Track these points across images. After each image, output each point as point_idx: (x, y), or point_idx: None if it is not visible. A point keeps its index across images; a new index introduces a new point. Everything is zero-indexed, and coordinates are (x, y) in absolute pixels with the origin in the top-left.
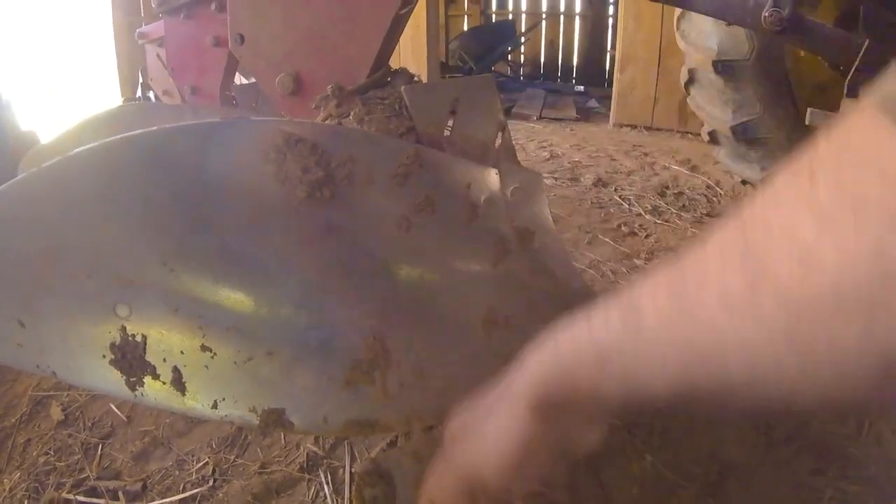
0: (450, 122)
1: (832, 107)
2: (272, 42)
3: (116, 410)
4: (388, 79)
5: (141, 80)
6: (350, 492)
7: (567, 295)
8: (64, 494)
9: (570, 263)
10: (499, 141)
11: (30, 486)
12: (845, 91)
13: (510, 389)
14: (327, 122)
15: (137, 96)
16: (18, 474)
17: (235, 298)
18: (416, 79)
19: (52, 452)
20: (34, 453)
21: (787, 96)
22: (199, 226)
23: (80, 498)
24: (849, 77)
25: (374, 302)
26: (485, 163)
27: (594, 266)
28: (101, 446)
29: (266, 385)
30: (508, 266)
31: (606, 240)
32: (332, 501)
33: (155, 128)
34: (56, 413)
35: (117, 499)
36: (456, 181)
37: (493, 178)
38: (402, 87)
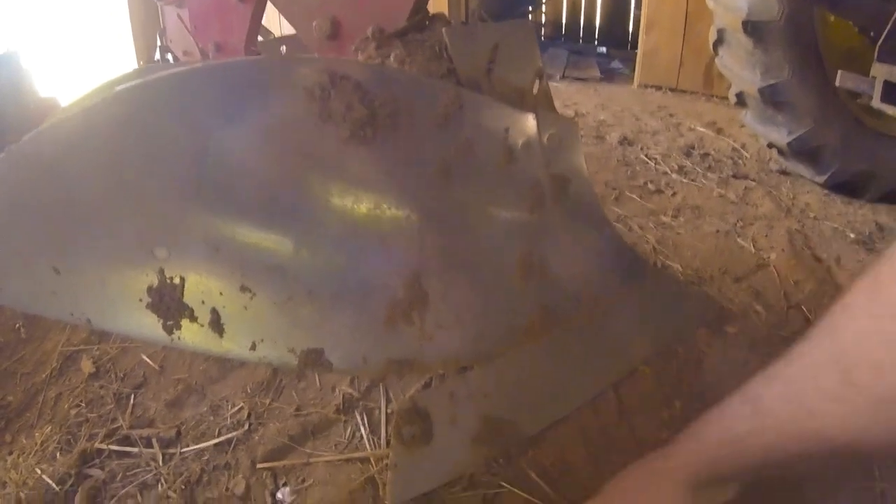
0: (489, 66)
1: (861, 72)
2: None
3: (148, 360)
4: (427, 22)
5: (159, 42)
6: (386, 431)
7: (599, 240)
8: (97, 445)
9: (602, 213)
10: (536, 87)
11: (62, 438)
12: (876, 55)
13: (662, 477)
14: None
15: (156, 59)
16: (50, 428)
17: (276, 239)
18: (453, 23)
19: (83, 405)
20: (65, 406)
21: (816, 60)
22: (241, 166)
23: (114, 447)
24: (879, 42)
25: (413, 244)
26: (522, 108)
27: (621, 221)
28: (133, 396)
29: (305, 325)
30: (544, 212)
31: (633, 196)
32: (369, 440)
33: (190, 66)
34: (87, 366)
35: (151, 446)
36: (494, 125)
37: (530, 122)
38: (443, 29)
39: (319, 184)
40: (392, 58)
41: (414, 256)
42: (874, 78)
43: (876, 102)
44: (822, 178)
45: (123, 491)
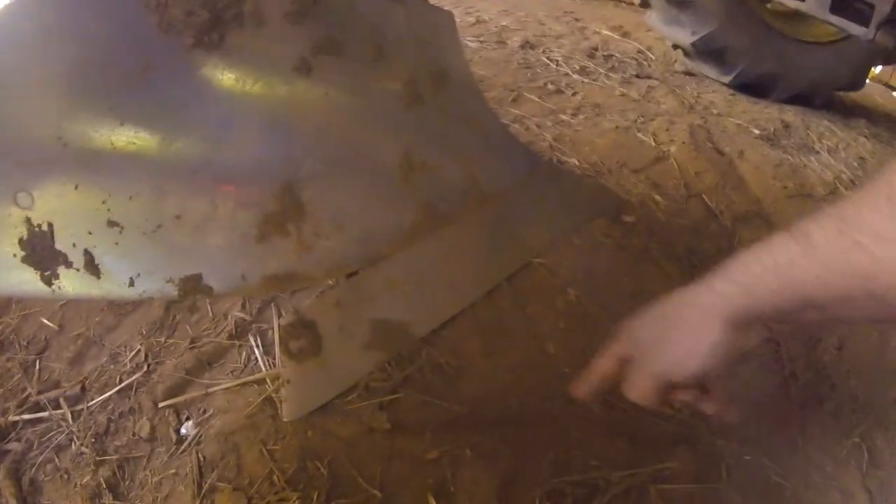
0: None
1: None
2: None
3: (47, 322)
4: None
5: None
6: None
7: (485, 136)
8: (11, 418)
9: (485, 106)
10: None
11: None
12: None
13: (701, 307)
14: None
15: None
16: None
17: (133, 160)
18: None
19: None
20: None
21: None
22: (85, 90)
23: (27, 416)
24: None
25: (279, 151)
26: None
27: (518, 121)
28: (38, 361)
29: (179, 252)
30: (422, 109)
31: (532, 97)
32: (264, 362)
33: None
34: None
35: (59, 407)
36: (359, 18)
37: (399, 14)
38: None
39: (172, 98)
40: None
41: (281, 165)
42: None
43: (822, 13)
44: (727, 78)
45: (42, 457)
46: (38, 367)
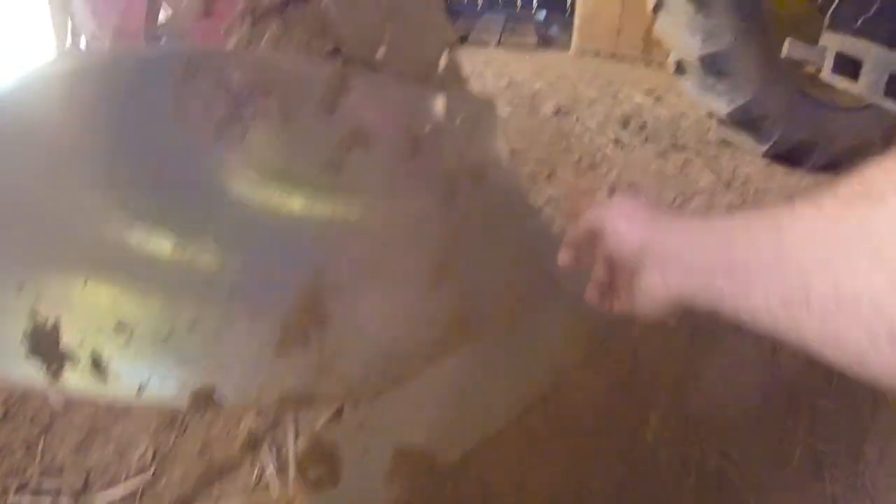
0: (385, 38)
1: (808, 40)
2: None
3: (53, 401)
4: None
5: (71, 24)
6: (294, 468)
7: (525, 238)
8: (10, 499)
9: (527, 203)
10: (444, 62)
11: None
12: (826, 23)
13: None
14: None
15: (68, 45)
16: None
17: (145, 261)
18: None
19: None
20: None
21: (760, 27)
22: (97, 182)
23: (27, 499)
24: (831, 10)
25: (306, 255)
26: (428, 87)
27: (553, 203)
28: (41, 440)
29: (191, 361)
30: (458, 208)
31: (566, 174)
32: (277, 481)
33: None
34: None
35: (61, 493)
36: (393, 109)
37: (437, 105)
38: (324, 1)
39: (188, 198)
40: (266, 37)
41: (304, 273)
42: (825, 48)
43: (826, 74)
44: (763, 148)
45: None
46: (41, 446)
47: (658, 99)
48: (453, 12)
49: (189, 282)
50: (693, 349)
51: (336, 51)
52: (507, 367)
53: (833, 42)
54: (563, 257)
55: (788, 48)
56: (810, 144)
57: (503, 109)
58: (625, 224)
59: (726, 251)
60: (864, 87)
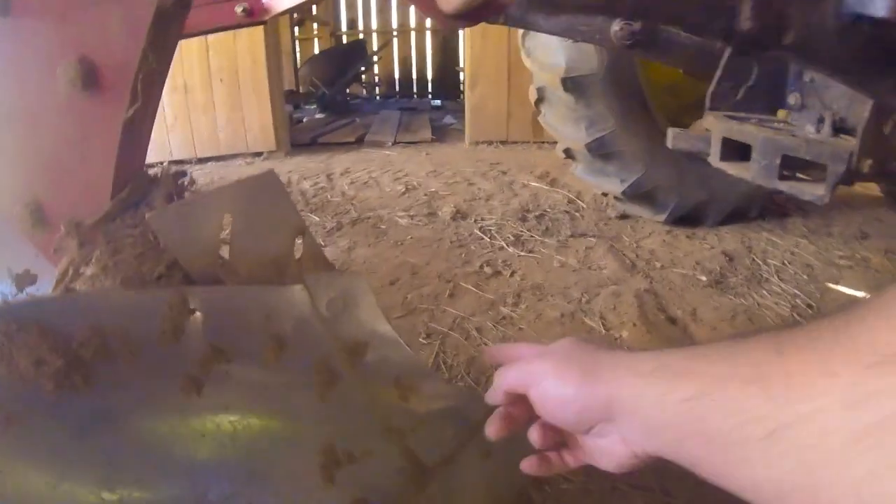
0: (225, 243)
1: (683, 106)
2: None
3: None
4: (143, 193)
5: None
6: None
7: (417, 398)
8: None
9: (414, 360)
10: (299, 249)
11: None
12: (708, 103)
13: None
14: (68, 273)
15: None
16: None
17: None
18: (183, 178)
19: None
20: None
21: (640, 105)
22: None
23: None
24: (711, 89)
25: (180, 484)
26: (283, 282)
27: (458, 325)
28: None
29: None
30: (340, 392)
31: (469, 286)
32: None
33: None
34: None
35: None
36: (247, 316)
37: (298, 296)
38: (146, 217)
39: (39, 450)
40: (93, 262)
41: (183, 497)
42: (709, 135)
43: (715, 161)
44: (661, 217)
45: None
46: None
47: (552, 182)
48: (350, 108)
49: None
50: None
51: (172, 266)
52: None
53: (718, 127)
54: (491, 430)
55: (672, 139)
56: (706, 203)
57: (401, 220)
58: (557, 387)
59: (698, 414)
60: (755, 174)
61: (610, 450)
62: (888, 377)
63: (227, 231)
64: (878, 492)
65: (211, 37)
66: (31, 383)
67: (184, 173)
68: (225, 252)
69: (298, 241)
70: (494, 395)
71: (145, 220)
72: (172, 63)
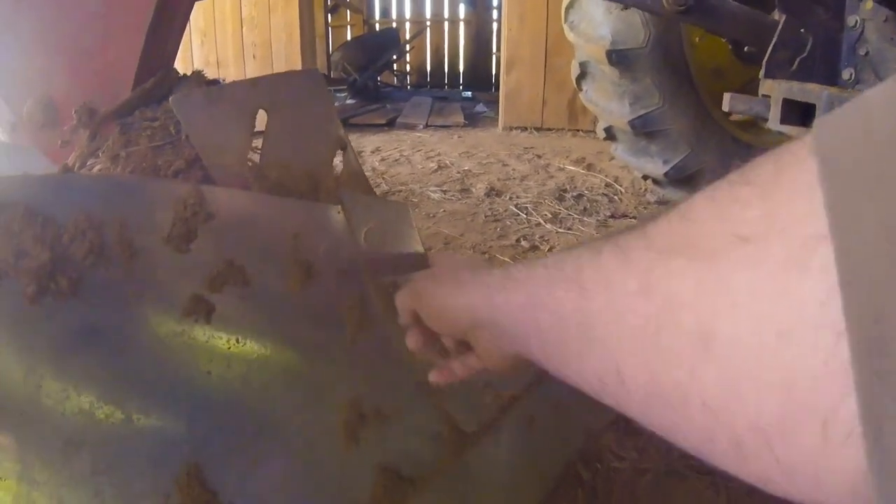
0: (255, 142)
1: (730, 89)
2: (19, 54)
3: None
4: (169, 89)
5: None
6: None
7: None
8: None
9: None
10: (339, 165)
11: None
12: (763, 71)
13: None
14: (75, 164)
15: None
16: None
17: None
18: (218, 84)
19: None
20: None
21: (688, 83)
22: None
23: None
24: (767, 57)
25: (177, 429)
26: (318, 198)
27: None
28: None
29: None
30: (372, 338)
31: (505, 259)
32: None
33: None
34: None
35: None
36: (273, 231)
37: (333, 217)
38: (171, 98)
39: (13, 366)
40: (103, 151)
41: (182, 447)
42: (767, 97)
43: (774, 125)
44: None
45: None
46: None
47: (589, 167)
48: (381, 95)
49: (45, 457)
50: None
51: (192, 163)
52: None
53: (777, 90)
54: (409, 344)
55: (730, 102)
56: None
57: (433, 194)
58: (434, 300)
59: (531, 316)
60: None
61: (490, 351)
62: (676, 260)
63: (260, 129)
64: (666, 370)
65: (245, 12)
66: (7, 279)
67: (217, 81)
68: (255, 154)
69: (338, 159)
70: (402, 318)
71: (167, 110)
72: (205, 39)
